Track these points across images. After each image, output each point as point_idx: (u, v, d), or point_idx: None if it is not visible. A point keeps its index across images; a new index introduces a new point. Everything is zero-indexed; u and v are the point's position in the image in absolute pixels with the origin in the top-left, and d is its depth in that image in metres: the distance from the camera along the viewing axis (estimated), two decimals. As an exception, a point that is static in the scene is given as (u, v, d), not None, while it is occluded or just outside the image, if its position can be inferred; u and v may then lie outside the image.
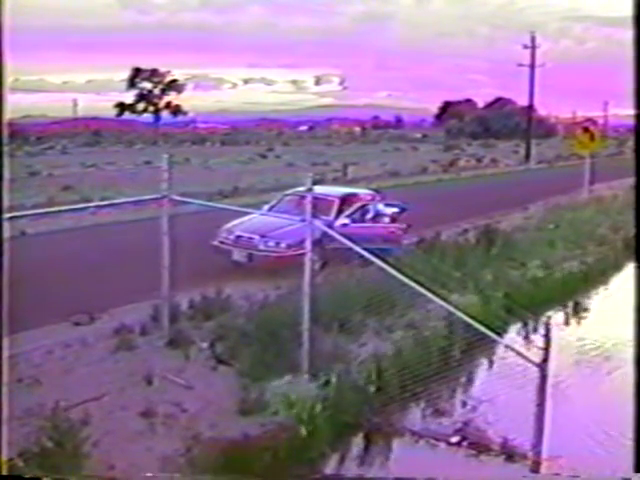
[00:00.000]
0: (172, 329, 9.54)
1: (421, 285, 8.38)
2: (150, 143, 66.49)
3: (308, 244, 8.38)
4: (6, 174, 5.37)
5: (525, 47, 53.82)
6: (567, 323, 12.44)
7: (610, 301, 13.76)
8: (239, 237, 13.94)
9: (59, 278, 12.29)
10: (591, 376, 9.87)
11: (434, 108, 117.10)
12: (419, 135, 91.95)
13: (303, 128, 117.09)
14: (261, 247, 13.72)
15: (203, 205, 11.45)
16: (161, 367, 8.54)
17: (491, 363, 9.89)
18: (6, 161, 5.42)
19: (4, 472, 5.41)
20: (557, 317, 12.50)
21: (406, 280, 8.28)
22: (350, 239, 8.93)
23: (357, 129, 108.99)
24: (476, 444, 7.58)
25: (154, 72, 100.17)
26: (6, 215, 5.67)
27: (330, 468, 7.40)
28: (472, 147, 63.98)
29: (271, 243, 13.63)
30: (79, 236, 17.10)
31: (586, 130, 27.57)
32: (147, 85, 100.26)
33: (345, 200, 15.01)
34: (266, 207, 14.92)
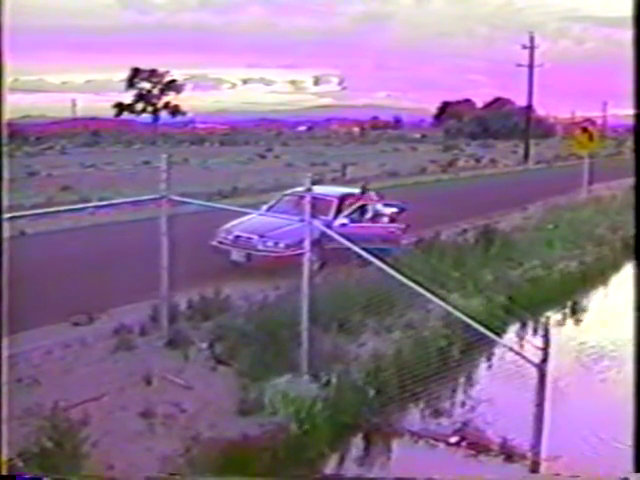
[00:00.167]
0: (171, 329, 9.54)
1: (420, 285, 8.39)
2: (149, 143, 66.47)
3: (307, 244, 8.39)
4: (5, 174, 5.38)
5: (524, 47, 53.85)
6: (566, 323, 12.44)
7: (609, 301, 13.78)
8: (238, 237, 13.95)
9: (58, 278, 12.29)
10: (590, 376, 9.88)
11: (433, 108, 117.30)
12: (418, 135, 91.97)
13: (302, 128, 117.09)
14: (260, 247, 13.72)
15: (202, 205, 11.44)
16: (160, 367, 8.53)
17: (490, 363, 9.89)
18: (5, 161, 5.43)
19: (4, 472, 5.42)
20: (556, 317, 12.50)
21: (405, 280, 8.28)
22: (349, 239, 8.94)
23: (356, 129, 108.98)
24: (475, 444, 7.58)
25: (153, 72, 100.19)
26: (5, 215, 5.67)
27: (329, 468, 7.40)
28: (471, 147, 63.99)
29: (270, 243, 13.63)
30: (78, 236, 17.10)
31: (585, 130, 27.58)
32: (146, 85, 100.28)
33: (344, 200, 15.02)
34: (265, 207, 14.92)
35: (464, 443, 7.63)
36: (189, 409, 7.60)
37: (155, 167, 10.47)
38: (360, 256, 8.66)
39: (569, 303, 13.15)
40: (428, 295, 8.48)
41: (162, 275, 9.22)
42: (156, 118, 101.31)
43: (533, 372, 7.74)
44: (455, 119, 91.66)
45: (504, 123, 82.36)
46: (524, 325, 11.55)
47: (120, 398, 7.74)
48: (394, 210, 15.55)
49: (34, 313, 9.62)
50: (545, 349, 7.87)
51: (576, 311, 12.85)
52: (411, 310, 10.45)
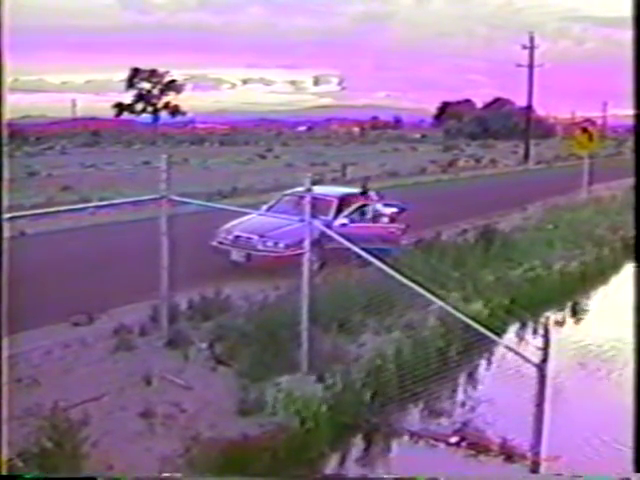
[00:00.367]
0: (171, 329, 9.54)
1: (420, 285, 8.39)
2: (149, 143, 66.50)
3: (307, 244, 8.39)
4: (5, 174, 5.38)
5: (524, 47, 53.87)
6: (565, 323, 12.44)
7: (609, 301, 13.77)
8: (238, 237, 13.95)
9: (58, 278, 12.30)
10: (590, 376, 9.88)
11: (433, 108, 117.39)
12: (418, 135, 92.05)
13: (302, 128, 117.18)
14: (260, 247, 13.72)
15: (202, 205, 11.44)
16: (160, 367, 8.53)
17: (490, 363, 9.89)
18: (5, 161, 5.42)
19: (4, 472, 5.41)
20: (556, 317, 12.50)
21: (405, 280, 8.28)
22: (349, 239, 8.94)
23: (356, 129, 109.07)
24: (475, 444, 7.58)
25: (153, 72, 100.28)
26: (5, 215, 5.67)
27: (329, 468, 7.40)
28: (471, 147, 64.02)
29: (270, 243, 13.63)
30: (78, 236, 17.10)
31: (585, 130, 27.57)
32: (146, 85, 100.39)
33: (344, 200, 15.02)
34: (265, 207, 14.92)
35: (464, 443, 7.63)
36: (189, 409, 7.60)
37: (155, 167, 10.47)
38: (360, 256, 8.66)
39: (569, 303, 13.15)
40: (428, 295, 8.48)
41: (162, 275, 9.22)
42: (156, 118, 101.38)
43: (533, 372, 7.74)
44: (455, 119, 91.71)
45: (504, 123, 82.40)
46: (524, 325, 11.55)
47: (120, 398, 7.74)
48: (394, 210, 15.55)
49: (34, 313, 9.62)
50: (545, 349, 7.87)
51: (576, 311, 12.85)
52: (411, 310, 10.44)
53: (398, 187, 27.10)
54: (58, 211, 12.34)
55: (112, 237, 17.07)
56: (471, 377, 9.51)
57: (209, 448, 6.81)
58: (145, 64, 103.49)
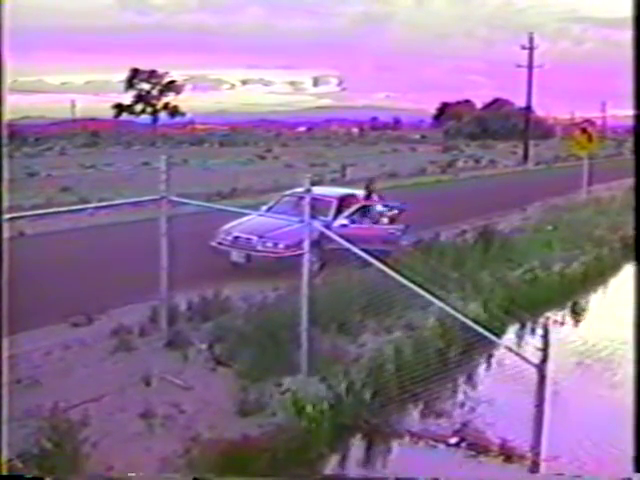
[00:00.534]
0: (171, 330, 9.53)
1: (419, 286, 8.40)
2: (148, 144, 66.48)
3: (306, 245, 8.39)
4: (5, 175, 5.38)
5: (523, 48, 53.89)
6: (565, 324, 12.43)
7: (609, 302, 13.77)
8: (237, 238, 13.95)
9: (58, 279, 12.29)
10: (590, 376, 9.88)
11: (432, 109, 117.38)
12: (417, 136, 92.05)
13: (301, 129, 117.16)
14: (259, 248, 13.73)
15: (201, 206, 11.44)
16: (160, 368, 8.53)
17: (489, 364, 9.89)
18: (5, 162, 5.43)
19: (4, 472, 5.42)
20: (555, 318, 12.50)
21: (404, 281, 8.29)
22: (348, 240, 8.94)
23: (355, 130, 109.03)
24: (475, 445, 7.58)
25: (152, 73, 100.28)
26: (5, 216, 5.67)
27: (330, 469, 7.40)
28: (470, 148, 64.04)
29: (269, 244, 13.63)
30: (77, 237, 17.10)
31: (584, 131, 27.57)
32: (145, 86, 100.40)
33: (343, 201, 15.02)
34: (264, 208, 14.92)
35: (464, 444, 7.63)
36: (188, 410, 7.60)
37: (154, 168, 10.47)
38: (360, 257, 8.66)
39: (569, 304, 13.15)
40: (427, 296, 8.49)
41: (162, 276, 9.22)
42: (155, 119, 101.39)
43: (532, 373, 7.76)
44: (454, 120, 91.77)
45: (503, 124, 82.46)
46: (523, 326, 11.55)
47: (120, 399, 7.74)
48: (394, 212, 15.55)
49: (34, 314, 9.63)
50: (545, 350, 7.89)
51: (576, 312, 12.85)
52: (410, 311, 10.44)
53: (398, 188, 27.10)
54: (57, 212, 12.35)
55: (111, 238, 17.07)
56: (471, 378, 9.51)
57: (209, 449, 6.81)
58: (144, 65, 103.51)
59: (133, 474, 6.38)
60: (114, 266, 13.58)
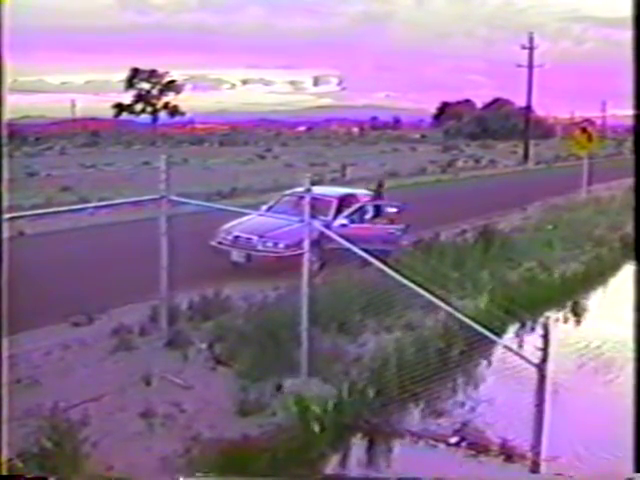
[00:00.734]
0: (171, 330, 9.54)
1: (419, 286, 8.39)
2: (148, 144, 66.52)
3: (306, 244, 8.38)
4: (5, 174, 5.38)
5: (523, 48, 53.92)
6: (566, 323, 12.42)
7: (609, 301, 13.77)
8: (237, 237, 13.95)
9: (58, 279, 12.29)
10: (590, 376, 9.87)
11: (432, 109, 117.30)
12: (417, 136, 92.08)
13: (301, 129, 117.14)
14: (259, 247, 13.73)
15: (201, 205, 11.44)
16: (160, 368, 8.53)
17: (490, 364, 9.88)
18: (5, 162, 5.43)
19: (4, 472, 5.41)
20: (555, 317, 12.50)
21: (404, 281, 8.29)
22: (348, 240, 8.94)
23: (355, 130, 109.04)
24: (475, 444, 7.57)
25: (152, 73, 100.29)
26: (5, 215, 5.67)
27: (330, 468, 7.40)
28: (470, 148, 64.04)
29: (269, 243, 13.63)
30: (77, 237, 17.10)
31: (584, 131, 27.57)
32: (145, 86, 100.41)
33: (343, 201, 15.02)
34: (264, 207, 14.92)
35: (464, 443, 7.62)
36: (189, 409, 7.60)
37: (155, 167, 10.47)
38: (360, 256, 8.66)
39: (569, 303, 13.14)
40: (427, 296, 8.49)
41: (162, 275, 9.22)
42: (155, 118, 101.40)
43: (533, 372, 7.76)
44: (454, 119, 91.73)
45: (503, 123, 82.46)
46: (523, 325, 11.54)
47: (120, 398, 7.74)
48: (394, 210, 15.55)
49: (34, 313, 9.61)
50: (545, 349, 7.89)
51: (576, 311, 12.84)
52: (410, 310, 10.44)
53: (398, 187, 27.09)
54: (57, 211, 12.34)
55: (112, 237, 17.07)
56: (471, 377, 9.50)
57: (209, 448, 6.81)
58: (145, 64, 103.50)
59: (133, 474, 6.38)
60: (114, 266, 13.58)
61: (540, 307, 12.31)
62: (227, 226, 14.09)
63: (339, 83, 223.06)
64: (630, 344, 6.21)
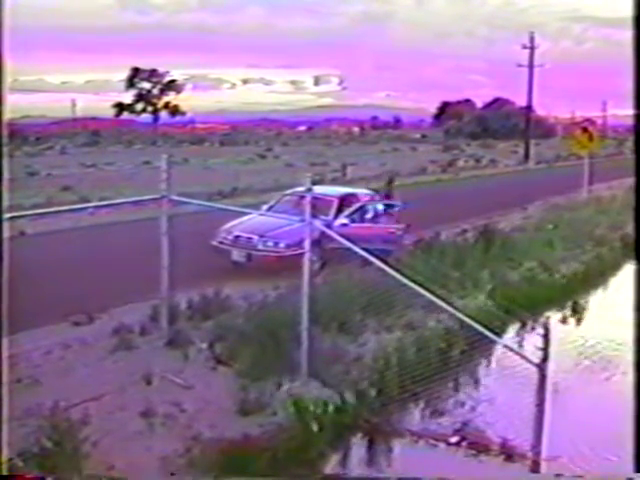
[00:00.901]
0: (171, 329, 9.54)
1: (420, 285, 8.39)
2: (149, 143, 66.51)
3: (307, 244, 8.38)
4: (5, 174, 5.38)
5: (524, 47, 53.90)
6: (566, 323, 12.42)
7: (609, 301, 13.76)
8: (238, 237, 13.95)
9: (58, 278, 12.29)
10: (590, 376, 9.87)
11: (433, 108, 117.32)
12: (418, 135, 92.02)
13: (302, 128, 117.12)
14: (260, 247, 13.73)
15: (202, 205, 11.44)
16: (160, 367, 8.54)
17: (490, 363, 9.88)
18: (5, 161, 5.42)
19: (4, 472, 5.41)
20: (556, 317, 12.49)
21: (405, 280, 8.28)
22: (349, 239, 8.94)
23: (356, 129, 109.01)
24: (475, 444, 7.57)
25: (153, 72, 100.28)
26: (5, 215, 5.67)
27: (330, 468, 7.40)
28: (471, 147, 64.02)
29: (270, 243, 13.63)
30: (78, 236, 17.10)
31: (585, 130, 27.56)
32: (146, 85, 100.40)
33: (344, 200, 15.02)
34: (265, 207, 14.92)
35: (464, 443, 7.62)
36: (189, 409, 7.60)
37: (155, 167, 10.47)
38: (360, 256, 8.65)
39: (569, 303, 13.13)
40: (428, 295, 8.48)
41: (162, 275, 9.22)
42: (156, 118, 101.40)
43: (533, 372, 7.75)
44: (455, 119, 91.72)
45: (504, 123, 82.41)
46: (524, 325, 11.54)
47: (120, 398, 7.74)
48: (395, 210, 15.56)
49: (34, 313, 9.61)
50: (545, 349, 7.87)
51: (576, 311, 12.84)
52: (411, 310, 10.44)
53: (398, 187, 27.02)
54: (58, 211, 12.33)
55: (112, 237, 17.07)
56: (471, 377, 9.50)
57: (209, 448, 6.81)
58: (145, 64, 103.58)
59: (134, 473, 6.38)
60: (115, 265, 13.58)
61: (540, 307, 12.31)
62: (228, 226, 14.08)
63: (340, 83, 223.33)
64: (630, 344, 6.20)
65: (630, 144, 43.42)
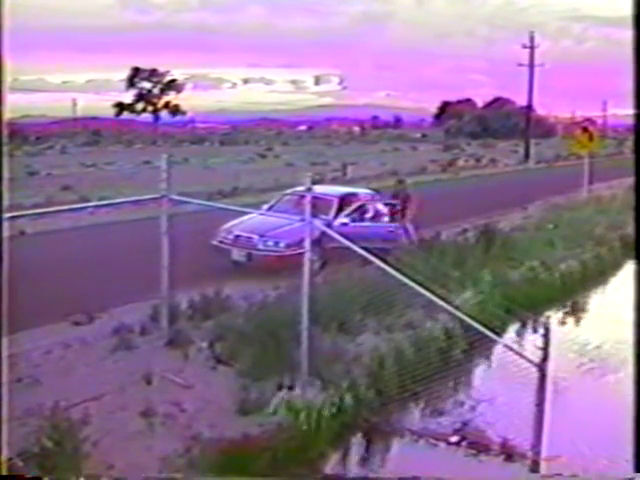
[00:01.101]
0: (171, 329, 9.53)
1: (420, 285, 8.39)
2: (149, 143, 66.48)
3: (307, 244, 8.37)
4: (5, 174, 5.38)
5: (524, 47, 53.85)
6: (566, 322, 12.43)
7: (609, 300, 13.77)
8: (238, 237, 13.94)
9: (58, 278, 12.29)
10: (590, 376, 9.87)
11: (433, 108, 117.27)
12: (418, 135, 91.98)
13: (302, 128, 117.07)
14: (260, 247, 13.72)
15: (202, 205, 11.44)
16: (160, 367, 8.53)
17: (490, 363, 9.88)
18: (5, 161, 5.42)
19: (4, 472, 5.41)
20: (556, 317, 12.50)
21: (405, 280, 8.28)
22: (349, 238, 8.93)
23: (356, 129, 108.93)
24: (475, 444, 7.58)
25: (153, 72, 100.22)
26: (5, 215, 5.67)
27: (330, 468, 7.40)
28: (471, 147, 63.98)
29: (270, 243, 13.62)
30: (78, 236, 17.10)
31: (585, 130, 27.54)
32: (146, 85, 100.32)
33: (344, 200, 15.02)
34: (265, 207, 14.92)
35: (464, 443, 7.62)
36: (189, 409, 7.60)
37: (155, 167, 10.47)
38: (361, 255, 8.65)
39: (569, 302, 13.15)
40: (428, 295, 8.49)
41: (162, 275, 9.22)
42: (156, 118, 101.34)
43: (533, 372, 7.75)
44: (455, 119, 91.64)
45: (504, 123, 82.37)
46: (524, 325, 11.54)
47: (120, 398, 7.74)
48: (394, 208, 15.57)
49: (34, 313, 9.61)
50: (545, 349, 7.88)
51: (576, 310, 12.85)
52: (411, 310, 10.44)
53: (396, 186, 26.98)
54: (58, 210, 12.32)
55: (112, 237, 17.07)
56: (471, 376, 9.51)
57: (209, 448, 6.81)
58: (145, 63, 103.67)
59: (133, 473, 6.38)
60: (115, 265, 13.58)
61: (541, 306, 12.32)
62: (228, 225, 14.08)
63: (340, 82, 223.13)
64: (630, 343, 6.20)
65: (630, 144, 43.38)
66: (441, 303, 8.74)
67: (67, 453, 6.31)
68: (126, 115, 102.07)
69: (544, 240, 16.82)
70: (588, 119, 33.47)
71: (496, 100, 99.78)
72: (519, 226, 19.09)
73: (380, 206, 15.53)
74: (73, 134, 79.51)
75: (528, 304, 11.67)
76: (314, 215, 8.70)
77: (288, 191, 15.50)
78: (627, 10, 6.09)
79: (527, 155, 52.80)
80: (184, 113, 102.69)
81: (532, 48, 53.66)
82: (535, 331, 11.27)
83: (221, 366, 8.78)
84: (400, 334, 10.07)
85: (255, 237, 13.78)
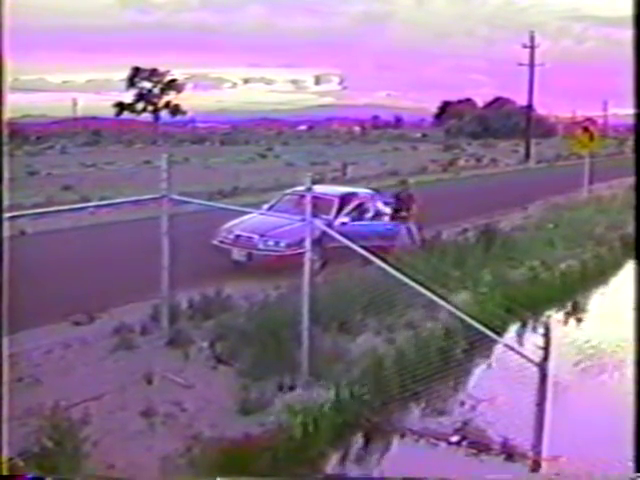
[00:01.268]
0: (172, 329, 9.54)
1: (421, 284, 8.39)
2: (149, 143, 66.43)
3: (308, 243, 8.38)
4: (6, 174, 5.38)
5: (524, 47, 53.84)
6: (567, 322, 12.43)
7: (609, 300, 13.76)
8: (238, 236, 13.94)
9: (59, 278, 12.29)
10: (590, 375, 9.87)
11: (434, 108, 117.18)
12: (419, 135, 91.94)
13: (302, 128, 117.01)
14: (261, 246, 13.72)
15: (203, 204, 11.44)
16: (161, 366, 8.53)
17: (490, 363, 9.88)
18: (5, 161, 5.42)
19: (4, 472, 5.41)
20: (557, 316, 12.50)
21: (406, 279, 8.28)
22: (349, 237, 8.93)
23: (357, 129, 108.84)
24: (476, 443, 7.57)
25: (153, 71, 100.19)
26: (6, 215, 5.67)
27: (331, 467, 7.40)
28: (472, 147, 63.95)
29: (270, 242, 13.62)
30: (78, 236, 17.09)
31: (585, 130, 27.52)
32: (146, 85, 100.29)
33: (345, 199, 15.02)
34: (266, 206, 14.92)
35: (465, 442, 7.62)
36: (190, 408, 7.60)
37: (156, 166, 10.48)
38: (361, 255, 8.65)
39: (569, 302, 13.14)
40: (429, 295, 8.48)
41: (163, 274, 9.22)
42: (157, 117, 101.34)
43: (534, 371, 7.75)
44: (456, 118, 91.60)
45: (505, 122, 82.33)
46: (525, 324, 11.54)
47: (121, 397, 7.74)
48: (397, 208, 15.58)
49: (34, 312, 9.61)
50: (546, 348, 7.88)
51: (576, 310, 12.84)
52: (412, 309, 10.44)
53: (398, 186, 26.98)
54: (58, 210, 12.33)
55: (112, 236, 17.06)
56: (472, 376, 9.51)
57: (210, 447, 6.81)
58: (146, 63, 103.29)
59: (134, 473, 6.38)
60: (115, 265, 13.58)
61: (541, 306, 12.31)
62: (228, 225, 14.08)
63: (340, 82, 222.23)
64: (630, 343, 6.20)
65: (631, 143, 43.38)
66: (442, 303, 8.74)
67: (67, 453, 6.31)
68: (126, 115, 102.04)
69: (544, 240, 16.82)
70: (589, 119, 33.39)
71: (496, 100, 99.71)
72: (519, 226, 19.09)
73: (380, 205, 15.53)
74: (73, 134, 79.45)
75: (528, 304, 11.67)
76: (314, 215, 8.71)
77: (288, 191, 15.50)
78: (627, 10, 6.10)
79: (528, 155, 52.78)
80: (184, 113, 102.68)
81: (532, 48, 53.66)
82: (535, 331, 11.27)
83: (222, 366, 8.78)
84: (401, 334, 10.07)
85: (255, 237, 13.78)
